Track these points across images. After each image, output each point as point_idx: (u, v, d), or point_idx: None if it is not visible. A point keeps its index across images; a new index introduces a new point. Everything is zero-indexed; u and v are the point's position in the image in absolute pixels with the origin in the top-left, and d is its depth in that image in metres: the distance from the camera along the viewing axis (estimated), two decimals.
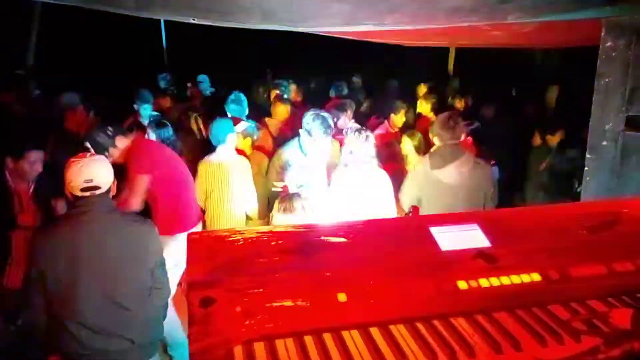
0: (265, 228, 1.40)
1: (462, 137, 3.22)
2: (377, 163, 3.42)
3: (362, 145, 3.26)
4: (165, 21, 8.95)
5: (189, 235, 1.36)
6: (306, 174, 3.33)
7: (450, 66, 8.13)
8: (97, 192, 2.30)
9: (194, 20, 2.73)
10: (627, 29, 2.49)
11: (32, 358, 2.62)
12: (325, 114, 3.60)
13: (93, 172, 2.29)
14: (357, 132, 3.33)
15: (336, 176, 3.36)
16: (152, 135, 4.15)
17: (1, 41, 6.55)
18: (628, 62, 2.49)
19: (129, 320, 2.35)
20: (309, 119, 3.51)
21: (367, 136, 3.30)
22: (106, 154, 3.07)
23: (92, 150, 3.09)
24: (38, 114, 5.26)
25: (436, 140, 3.15)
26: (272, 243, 1.35)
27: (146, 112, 5.22)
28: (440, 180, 3.02)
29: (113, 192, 2.45)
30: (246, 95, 4.87)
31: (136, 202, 3.16)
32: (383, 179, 3.37)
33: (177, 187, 3.39)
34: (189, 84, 6.86)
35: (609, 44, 2.54)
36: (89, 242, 2.27)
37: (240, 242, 1.34)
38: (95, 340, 2.30)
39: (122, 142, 3.26)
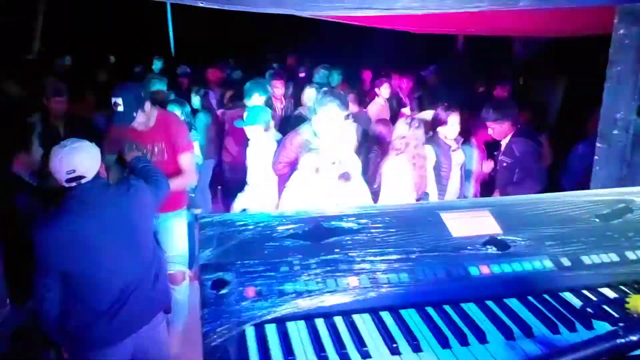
0: (277, 212, 1.40)
1: None
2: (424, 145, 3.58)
3: (413, 132, 3.41)
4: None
5: (200, 218, 1.36)
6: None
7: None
8: (83, 180, 2.23)
9: (202, 3, 2.69)
10: None
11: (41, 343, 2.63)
12: (341, 92, 3.37)
13: (73, 162, 2.20)
14: (407, 120, 3.52)
15: (388, 165, 3.44)
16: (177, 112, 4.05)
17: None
18: None
19: (141, 296, 2.38)
20: (323, 99, 3.09)
21: (418, 123, 3.47)
22: (134, 114, 3.04)
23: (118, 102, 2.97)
24: None
25: None
26: (284, 227, 1.35)
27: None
28: None
29: (103, 175, 2.39)
30: None
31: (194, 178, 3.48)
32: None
33: None
34: None
35: (621, 31, 2.50)
36: (93, 228, 2.25)
37: (252, 226, 1.34)
38: (107, 322, 2.32)
39: (148, 108, 3.13)
